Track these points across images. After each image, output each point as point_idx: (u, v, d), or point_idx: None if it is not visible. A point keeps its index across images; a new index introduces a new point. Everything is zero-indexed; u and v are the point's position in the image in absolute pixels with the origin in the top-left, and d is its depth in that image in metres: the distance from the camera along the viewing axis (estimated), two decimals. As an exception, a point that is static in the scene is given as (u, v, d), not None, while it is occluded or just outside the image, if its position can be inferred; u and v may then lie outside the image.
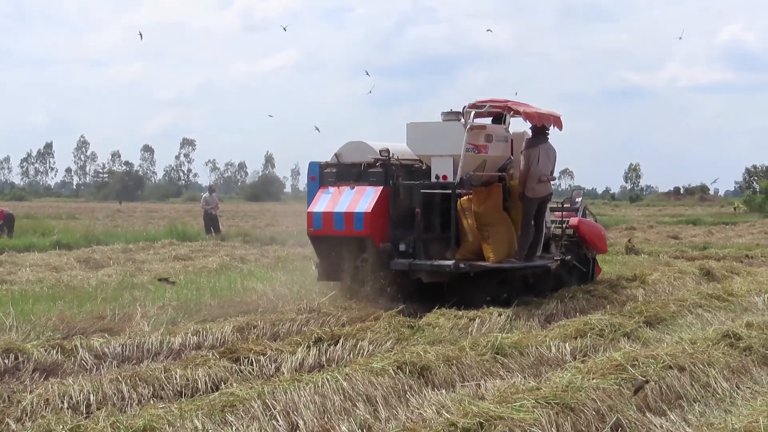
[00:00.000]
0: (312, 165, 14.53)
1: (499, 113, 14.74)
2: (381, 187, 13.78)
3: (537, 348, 9.88)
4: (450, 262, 13.37)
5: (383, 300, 13.31)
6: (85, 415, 7.39)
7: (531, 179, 14.24)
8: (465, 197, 13.86)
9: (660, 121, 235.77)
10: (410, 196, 13.85)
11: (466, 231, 13.90)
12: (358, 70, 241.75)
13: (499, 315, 12.08)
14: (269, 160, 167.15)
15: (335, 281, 14.16)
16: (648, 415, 7.53)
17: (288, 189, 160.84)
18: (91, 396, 7.81)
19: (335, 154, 14.49)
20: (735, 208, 66.00)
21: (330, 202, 13.97)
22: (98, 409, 7.46)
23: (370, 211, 13.55)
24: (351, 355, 9.80)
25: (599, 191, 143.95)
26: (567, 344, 10.18)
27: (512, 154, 14.82)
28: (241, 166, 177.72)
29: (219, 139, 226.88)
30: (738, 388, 8.64)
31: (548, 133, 14.54)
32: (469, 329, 11.43)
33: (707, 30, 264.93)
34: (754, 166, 77.39)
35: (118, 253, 22.62)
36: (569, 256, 15.63)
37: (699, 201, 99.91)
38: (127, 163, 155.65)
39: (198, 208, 39.89)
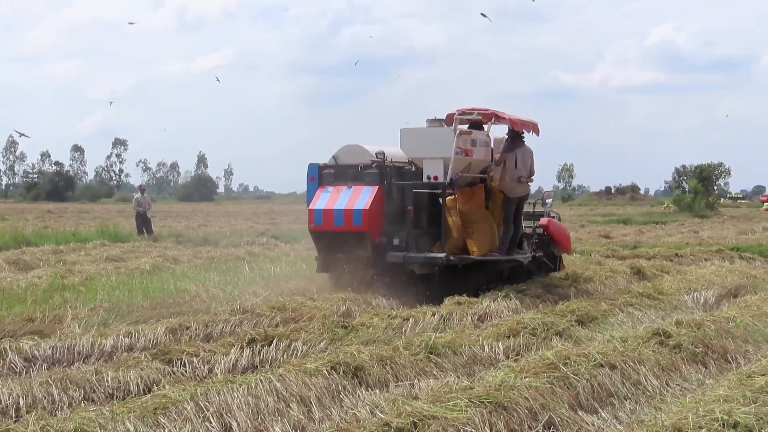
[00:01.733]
0: (312, 166, 15.52)
1: (479, 121, 15.87)
2: (377, 187, 14.95)
3: (470, 347, 9.88)
4: (442, 255, 14.51)
5: (377, 288, 14.27)
6: (14, 419, 7.29)
7: (511, 180, 15.65)
8: (449, 197, 14.93)
9: (593, 122, 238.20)
10: (402, 195, 15.04)
11: (451, 227, 15.04)
12: (294, 70, 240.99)
13: (433, 315, 12.04)
14: (202, 160, 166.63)
15: (333, 272, 15.14)
16: (580, 413, 7.58)
17: (221, 189, 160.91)
18: (21, 399, 7.68)
19: (333, 157, 15.51)
20: (665, 208, 67.50)
21: (330, 200, 15.05)
22: (28, 412, 7.33)
23: (367, 208, 14.71)
24: (285, 356, 9.72)
25: (532, 191, 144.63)
26: (500, 343, 10.19)
27: (492, 158, 16.07)
28: (174, 166, 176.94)
29: (151, 139, 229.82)
30: (668, 385, 8.74)
31: (524, 138, 15.98)
32: (403, 329, 11.38)
33: (639, 31, 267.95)
34: (684, 166, 78.37)
35: (48, 255, 22.24)
36: (540, 253, 17.00)
37: (629, 200, 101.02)
38: (57, 163, 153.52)
39: (130, 209, 39.43)
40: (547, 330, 11.00)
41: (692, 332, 10.31)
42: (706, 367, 9.52)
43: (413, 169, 15.30)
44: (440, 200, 14.98)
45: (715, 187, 74.65)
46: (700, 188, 64.97)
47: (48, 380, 8.15)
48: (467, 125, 15.72)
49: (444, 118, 15.31)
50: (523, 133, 15.98)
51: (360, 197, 14.93)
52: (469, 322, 12.14)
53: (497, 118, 15.78)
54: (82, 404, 7.80)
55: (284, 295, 14.02)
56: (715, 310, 13.51)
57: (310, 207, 15.25)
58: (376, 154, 15.12)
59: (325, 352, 9.59)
